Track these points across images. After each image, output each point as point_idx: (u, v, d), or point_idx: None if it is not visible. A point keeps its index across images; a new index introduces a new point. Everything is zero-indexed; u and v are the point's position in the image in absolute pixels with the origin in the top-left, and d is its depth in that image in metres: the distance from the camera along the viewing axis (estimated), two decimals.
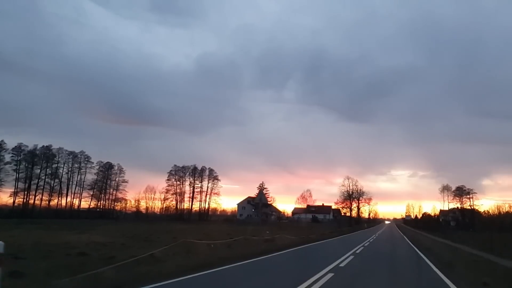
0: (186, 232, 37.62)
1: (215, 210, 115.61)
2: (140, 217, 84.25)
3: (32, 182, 70.97)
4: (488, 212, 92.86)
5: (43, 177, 72.64)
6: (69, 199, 78.65)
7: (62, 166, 76.76)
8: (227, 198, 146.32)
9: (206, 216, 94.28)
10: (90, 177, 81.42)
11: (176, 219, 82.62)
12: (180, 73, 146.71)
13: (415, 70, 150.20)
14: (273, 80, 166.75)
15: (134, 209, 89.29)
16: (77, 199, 79.92)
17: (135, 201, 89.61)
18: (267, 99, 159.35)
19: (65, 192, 77.32)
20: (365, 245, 22.98)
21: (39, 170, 71.97)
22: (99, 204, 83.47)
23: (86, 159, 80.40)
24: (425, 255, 17.41)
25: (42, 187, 72.65)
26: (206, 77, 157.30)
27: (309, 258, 14.96)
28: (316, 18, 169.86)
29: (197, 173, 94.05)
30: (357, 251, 17.56)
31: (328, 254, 16.53)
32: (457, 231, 64.45)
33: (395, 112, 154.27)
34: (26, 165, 70.24)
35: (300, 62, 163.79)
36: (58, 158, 75.66)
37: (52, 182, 74.35)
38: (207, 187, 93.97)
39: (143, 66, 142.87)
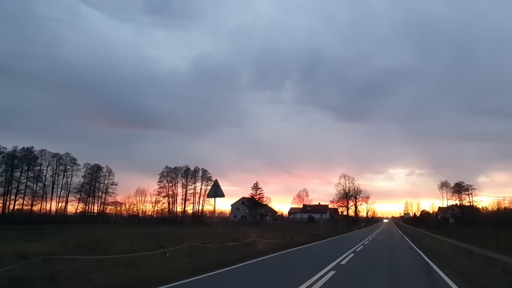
0: (161, 236, 33.29)
1: (213, 212, 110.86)
2: (131, 220, 79.50)
3: (12, 186, 66.05)
4: (487, 208, 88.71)
5: (24, 181, 67.74)
6: (54, 203, 73.92)
7: (46, 169, 71.92)
8: (226, 200, 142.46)
9: (200, 218, 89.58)
10: (77, 180, 76.70)
11: (168, 222, 78.01)
12: (177, 75, 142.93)
13: (410, 69, 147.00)
14: (270, 81, 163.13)
15: (124, 212, 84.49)
16: (63, 203, 75.06)
17: (130, 204, 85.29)
18: (265, 100, 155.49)
19: (49, 196, 72.54)
20: (357, 250, 18.11)
21: (19, 173, 67.08)
22: (87, 208, 78.59)
23: (72, 161, 75.55)
24: (437, 265, 12.55)
25: (23, 191, 67.70)
26: (203, 78, 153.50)
27: (271, 276, 10.20)
28: (312, 19, 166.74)
29: (190, 174, 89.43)
30: (343, 262, 12.65)
31: (303, 267, 11.74)
32: (458, 228, 60.40)
33: (391, 111, 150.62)
34: (6, 168, 65.35)
35: (296, 62, 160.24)
36: (41, 160, 70.77)
37: (35, 185, 69.45)
38: (201, 188, 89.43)
39: (139, 69, 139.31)
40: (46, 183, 71.77)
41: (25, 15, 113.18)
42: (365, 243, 23.02)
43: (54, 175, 72.93)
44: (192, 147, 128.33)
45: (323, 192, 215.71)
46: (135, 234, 34.71)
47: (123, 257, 12.59)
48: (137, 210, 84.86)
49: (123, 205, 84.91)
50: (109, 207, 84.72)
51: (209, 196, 14.63)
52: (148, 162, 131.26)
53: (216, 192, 14.48)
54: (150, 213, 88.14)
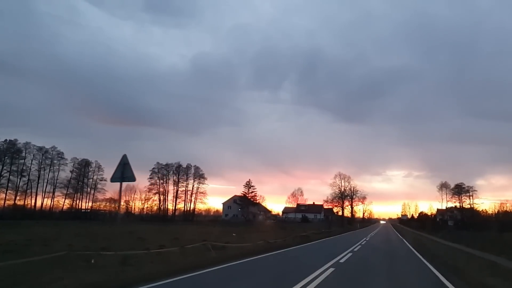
0: (126, 235, 28.31)
1: (208, 210, 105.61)
2: (120, 218, 74.27)
3: None
4: (486, 211, 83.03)
5: (7, 175, 62.63)
6: (40, 199, 68.79)
7: (30, 162, 66.86)
8: (222, 199, 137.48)
9: (192, 217, 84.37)
10: (64, 175, 71.58)
11: (159, 220, 72.91)
12: (175, 74, 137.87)
13: (409, 70, 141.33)
14: (268, 81, 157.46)
15: (113, 209, 79.18)
16: (49, 198, 69.92)
17: (125, 201, 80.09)
18: (263, 99, 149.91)
19: (34, 191, 67.44)
20: (341, 261, 12.56)
21: (1, 167, 61.92)
22: (74, 204, 73.41)
23: (60, 156, 70.45)
24: None
25: (5, 186, 62.63)
26: (201, 77, 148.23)
27: None
28: (311, 18, 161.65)
29: (182, 171, 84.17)
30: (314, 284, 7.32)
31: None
32: (458, 231, 55.33)
33: (390, 112, 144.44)
34: None
35: (295, 62, 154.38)
36: (25, 153, 65.75)
37: (18, 180, 64.43)
38: (193, 186, 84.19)
39: (137, 67, 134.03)
40: (31, 178, 66.99)
41: (23, 12, 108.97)
42: (355, 249, 17.50)
43: (40, 169, 67.98)
44: (189, 146, 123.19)
45: (320, 192, 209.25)
46: (97, 232, 29.69)
47: (23, 264, 8.70)
48: (126, 207, 79.59)
49: (118, 203, 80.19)
50: (104, 203, 79.98)
51: (113, 179, 9.30)
52: (144, 160, 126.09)
53: (123, 173, 9.12)
54: (145, 211, 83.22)
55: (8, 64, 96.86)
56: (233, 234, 32.74)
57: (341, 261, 12.33)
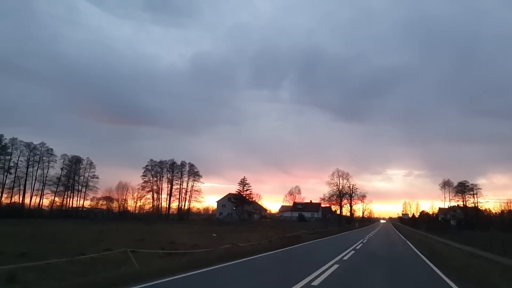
0: (87, 235, 24.25)
1: (207, 209, 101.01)
2: (111, 216, 70.11)
3: None
4: (490, 210, 77.63)
5: None
6: (29, 196, 64.59)
7: (17, 159, 62.72)
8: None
9: (186, 215, 79.86)
10: (54, 172, 67.38)
11: (152, 219, 68.48)
12: (175, 73, 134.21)
13: (410, 69, 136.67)
14: (268, 80, 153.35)
15: (105, 207, 74.88)
16: (38, 196, 65.71)
17: (121, 200, 75.97)
18: (262, 98, 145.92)
19: (22, 188, 63.24)
20: (315, 283, 7.88)
21: None
22: (64, 202, 69.17)
23: (49, 152, 66.26)
24: None
25: None
26: (201, 76, 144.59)
27: None
28: (311, 17, 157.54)
29: (176, 168, 79.68)
30: None
31: None
32: (465, 231, 50.50)
33: (390, 111, 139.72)
34: None
35: (295, 61, 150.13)
36: (12, 149, 61.64)
37: (4, 177, 60.32)
38: (187, 184, 79.65)
39: (137, 66, 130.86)
40: (18, 175, 62.86)
41: (24, 11, 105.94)
42: (344, 258, 12.62)
43: (28, 166, 63.77)
44: (188, 145, 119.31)
45: (319, 191, 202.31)
46: (55, 233, 25.38)
47: None
48: (118, 205, 75.24)
49: (114, 201, 75.99)
50: (100, 202, 75.74)
51: None
52: (142, 159, 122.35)
53: None
54: (138, 210, 78.84)
55: (8, 63, 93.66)
56: (213, 235, 28.39)
57: (315, 283, 7.51)
